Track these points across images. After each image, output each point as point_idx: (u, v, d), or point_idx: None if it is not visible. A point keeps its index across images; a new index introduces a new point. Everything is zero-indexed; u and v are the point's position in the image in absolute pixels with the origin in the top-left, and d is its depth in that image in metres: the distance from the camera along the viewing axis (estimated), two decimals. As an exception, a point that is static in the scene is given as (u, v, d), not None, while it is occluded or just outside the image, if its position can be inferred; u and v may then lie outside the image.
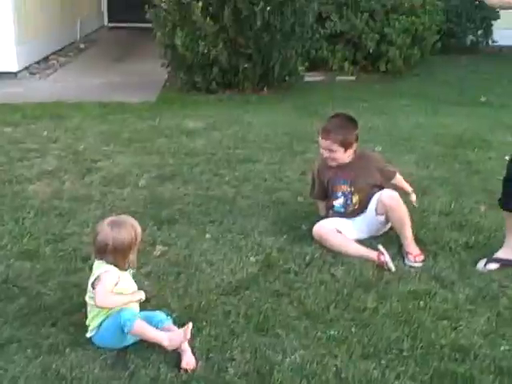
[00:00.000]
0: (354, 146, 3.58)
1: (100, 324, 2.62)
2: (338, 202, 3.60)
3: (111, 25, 12.49)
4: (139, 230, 2.70)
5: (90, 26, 11.44)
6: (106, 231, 2.62)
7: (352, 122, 3.66)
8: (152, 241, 3.50)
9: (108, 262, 2.63)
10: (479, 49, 10.08)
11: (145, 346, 2.62)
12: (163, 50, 7.09)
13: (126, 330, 2.52)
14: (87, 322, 2.67)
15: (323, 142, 3.58)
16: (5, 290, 3.02)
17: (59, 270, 3.22)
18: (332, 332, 2.75)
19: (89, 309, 2.68)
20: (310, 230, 3.57)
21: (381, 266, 3.26)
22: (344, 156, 3.55)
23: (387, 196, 3.45)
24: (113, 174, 4.55)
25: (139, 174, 4.56)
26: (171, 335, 2.56)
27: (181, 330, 2.57)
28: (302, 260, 3.35)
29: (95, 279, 2.61)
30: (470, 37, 10.13)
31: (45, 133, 5.47)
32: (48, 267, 3.24)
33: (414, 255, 3.33)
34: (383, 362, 2.57)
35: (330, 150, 3.54)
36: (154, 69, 7.48)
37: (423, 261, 3.33)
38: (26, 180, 4.42)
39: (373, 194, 3.52)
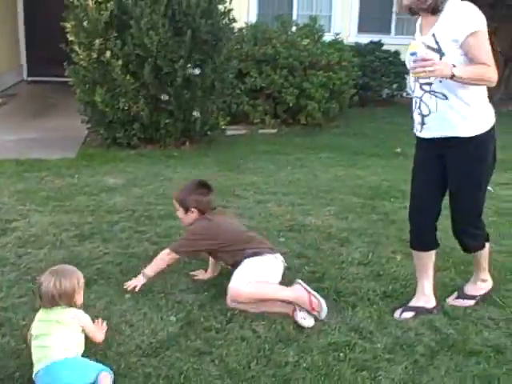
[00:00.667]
0: (194, 211, 3.62)
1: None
2: None
3: (31, 78, 12.30)
4: (80, 274, 2.94)
5: (9, 79, 11.25)
6: (49, 281, 2.80)
7: (200, 186, 3.70)
8: (69, 303, 3.39)
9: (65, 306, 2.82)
10: (394, 101, 10.57)
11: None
12: (83, 107, 7.04)
13: None
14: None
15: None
16: None
17: (-31, 339, 3.07)
18: (253, 389, 2.73)
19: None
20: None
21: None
22: (185, 218, 3.68)
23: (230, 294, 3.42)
24: (29, 234, 4.42)
25: (57, 234, 4.45)
26: None
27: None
28: (224, 316, 3.33)
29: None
30: (386, 90, 10.64)
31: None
32: (-43, 336, 3.08)
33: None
34: (306, 416, 2.57)
35: (176, 209, 3.71)
36: (74, 124, 7.40)
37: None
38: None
39: None
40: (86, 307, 3.33)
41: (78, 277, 2.89)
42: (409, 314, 3.38)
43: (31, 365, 2.83)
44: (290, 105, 8.33)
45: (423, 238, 3.43)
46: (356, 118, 9.18)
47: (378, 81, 10.34)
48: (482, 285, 3.56)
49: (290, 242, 4.40)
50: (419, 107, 3.23)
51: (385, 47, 10.42)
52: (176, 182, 5.76)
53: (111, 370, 2.74)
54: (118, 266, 3.94)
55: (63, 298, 2.80)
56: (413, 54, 2.88)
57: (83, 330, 2.87)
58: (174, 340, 3.11)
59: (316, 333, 3.20)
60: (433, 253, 3.47)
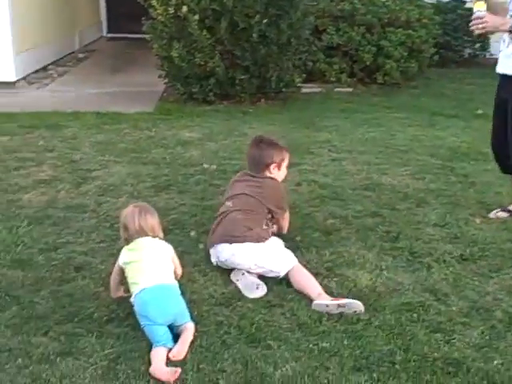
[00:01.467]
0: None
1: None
2: None
3: (110, 35, 12.52)
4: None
5: (89, 36, 11.48)
6: (135, 213, 2.95)
7: None
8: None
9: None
10: (477, 61, 10.12)
11: (136, 356, 2.61)
12: (160, 62, 7.11)
13: None
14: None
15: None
16: (-3, 299, 3.01)
17: (52, 279, 3.21)
18: (324, 344, 2.73)
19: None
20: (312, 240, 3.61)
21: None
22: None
23: None
24: (108, 184, 4.54)
25: (134, 184, 4.56)
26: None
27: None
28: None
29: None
30: (468, 50, 10.18)
31: (41, 142, 5.47)
32: (41, 276, 3.23)
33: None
34: (375, 375, 2.55)
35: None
36: (152, 80, 7.48)
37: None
38: (21, 189, 4.41)
39: None
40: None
41: (157, 215, 3.02)
42: (504, 214, 4.01)
43: (108, 306, 2.96)
44: (367, 63, 8.09)
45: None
46: (435, 78, 8.85)
47: (459, 40, 9.88)
48: None
49: (364, 200, 4.33)
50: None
51: (467, 5, 9.93)
52: (249, 138, 5.75)
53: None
54: (193, 217, 4.01)
55: (149, 231, 2.91)
56: (475, 12, 3.50)
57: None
58: (246, 291, 3.15)
59: (389, 292, 3.16)
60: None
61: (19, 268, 3.30)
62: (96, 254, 3.48)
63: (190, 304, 2.99)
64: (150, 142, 5.62)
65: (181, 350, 2.63)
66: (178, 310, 2.79)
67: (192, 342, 2.71)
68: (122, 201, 4.24)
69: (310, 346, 2.72)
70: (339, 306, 2.95)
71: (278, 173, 3.55)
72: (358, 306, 2.96)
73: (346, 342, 2.75)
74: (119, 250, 3.00)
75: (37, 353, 2.61)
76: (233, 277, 3.24)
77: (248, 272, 3.22)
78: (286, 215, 3.61)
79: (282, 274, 3.20)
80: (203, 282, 3.23)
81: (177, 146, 5.54)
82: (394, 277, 3.31)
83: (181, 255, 3.44)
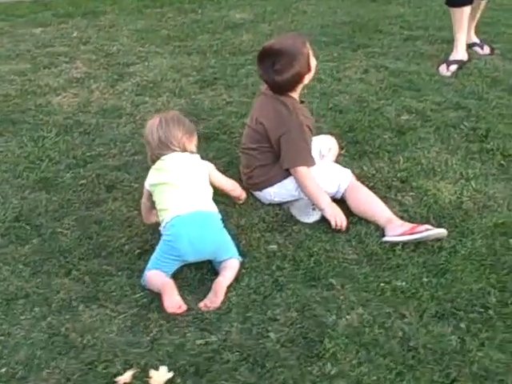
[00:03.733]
0: None
1: None
2: None
3: None
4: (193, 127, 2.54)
5: None
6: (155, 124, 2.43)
7: None
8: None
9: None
10: None
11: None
12: None
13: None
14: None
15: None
16: (16, 230, 2.62)
17: (79, 202, 2.79)
18: (398, 283, 2.22)
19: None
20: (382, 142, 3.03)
21: None
22: None
23: None
24: (147, 80, 4.01)
25: (177, 79, 4.01)
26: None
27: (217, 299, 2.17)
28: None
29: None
30: None
31: (75, 33, 4.93)
32: (66, 199, 2.81)
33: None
34: (462, 324, 2.04)
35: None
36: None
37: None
38: (52, 90, 3.94)
39: None
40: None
41: (188, 125, 2.48)
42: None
43: (142, 235, 2.53)
44: None
45: None
46: None
47: None
48: None
49: (445, 89, 3.65)
50: None
51: None
52: (309, 16, 5.03)
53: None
54: (241, 118, 3.44)
55: (175, 144, 2.39)
56: None
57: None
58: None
59: (478, 209, 2.59)
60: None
61: (43, 190, 2.88)
62: (130, 169, 3.02)
63: (238, 230, 2.53)
64: (195, 27, 4.99)
65: (214, 299, 2.17)
66: (218, 245, 2.31)
67: (237, 281, 2.26)
68: (163, 100, 3.73)
69: (381, 285, 2.22)
70: (415, 238, 2.38)
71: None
72: (439, 233, 2.40)
73: (425, 279, 2.23)
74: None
75: (57, 299, 2.22)
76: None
77: None
78: None
79: (337, 196, 2.63)
80: (252, 201, 2.73)
81: (225, 30, 4.90)
82: (485, 188, 2.73)
83: (227, 166, 2.97)
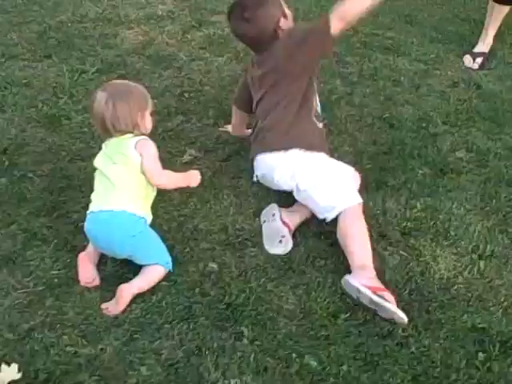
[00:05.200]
0: None
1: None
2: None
3: None
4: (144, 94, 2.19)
5: None
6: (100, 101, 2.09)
7: None
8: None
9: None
10: None
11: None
12: None
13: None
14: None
15: None
16: (-8, 163, 2.58)
17: (68, 151, 2.67)
18: (311, 361, 1.87)
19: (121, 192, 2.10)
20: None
21: None
22: None
23: None
24: (219, 35, 3.72)
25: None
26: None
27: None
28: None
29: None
30: None
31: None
32: (58, 144, 2.71)
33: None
34: None
35: None
36: None
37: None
38: (126, 22, 3.82)
39: None
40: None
41: (138, 97, 2.15)
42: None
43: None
44: None
45: None
46: None
47: None
48: None
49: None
50: None
51: None
52: (432, 2, 4.38)
53: (172, 263, 2.13)
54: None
55: (119, 124, 2.09)
56: None
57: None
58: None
59: (465, 301, 2.08)
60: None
61: (44, 127, 2.82)
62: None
63: (190, 234, 2.28)
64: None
65: (115, 306, 1.98)
66: (129, 248, 2.08)
67: (152, 292, 2.04)
68: (219, 61, 3.44)
69: (293, 355, 1.88)
70: (373, 300, 2.00)
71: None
72: (400, 319, 1.98)
73: (345, 368, 1.85)
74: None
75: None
76: (262, 216, 2.39)
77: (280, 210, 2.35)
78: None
79: (331, 215, 2.24)
80: (224, 205, 2.44)
81: None
82: (492, 275, 2.19)
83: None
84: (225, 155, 2.70)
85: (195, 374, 1.81)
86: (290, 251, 2.23)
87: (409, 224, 2.37)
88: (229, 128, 2.83)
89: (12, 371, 1.78)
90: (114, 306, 1.99)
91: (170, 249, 2.17)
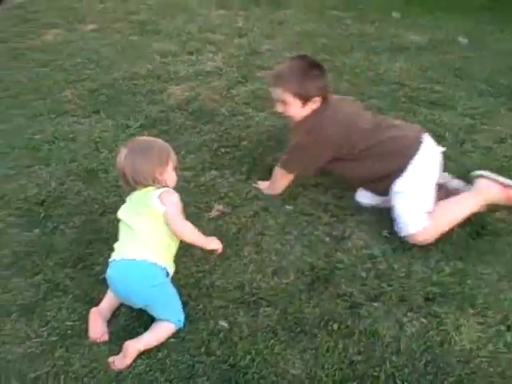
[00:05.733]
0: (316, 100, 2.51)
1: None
2: None
3: None
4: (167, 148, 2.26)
5: None
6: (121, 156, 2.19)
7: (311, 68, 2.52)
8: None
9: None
10: None
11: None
12: None
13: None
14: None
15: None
16: (29, 212, 2.68)
17: (100, 205, 2.74)
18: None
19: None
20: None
21: None
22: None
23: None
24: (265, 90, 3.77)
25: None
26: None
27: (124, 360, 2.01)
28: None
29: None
30: None
31: (240, 23, 4.83)
32: (91, 198, 2.79)
33: None
34: None
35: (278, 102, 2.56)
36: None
37: None
38: (175, 79, 3.98)
39: None
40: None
41: (159, 152, 2.20)
42: None
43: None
44: None
45: None
46: None
47: None
48: None
49: None
50: None
51: None
52: (481, 57, 4.27)
53: (184, 321, 2.12)
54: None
55: (139, 181, 2.16)
56: None
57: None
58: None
59: (486, 378, 1.95)
60: None
61: (82, 181, 2.91)
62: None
63: (207, 291, 2.26)
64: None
65: (122, 360, 1.98)
66: (144, 299, 2.09)
67: (158, 349, 2.03)
68: (261, 117, 3.47)
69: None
70: None
71: None
72: None
73: None
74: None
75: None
76: None
77: None
78: None
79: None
80: (243, 262, 2.41)
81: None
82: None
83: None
84: (252, 211, 2.69)
85: None
86: (303, 311, 2.16)
87: (434, 289, 2.25)
88: (261, 185, 2.83)
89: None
90: (121, 361, 1.99)
91: (184, 305, 2.16)
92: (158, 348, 2.04)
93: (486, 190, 2.55)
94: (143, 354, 2.01)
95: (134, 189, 2.21)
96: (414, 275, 2.31)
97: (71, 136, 3.31)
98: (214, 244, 2.27)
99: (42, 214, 2.70)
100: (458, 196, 2.55)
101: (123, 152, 2.19)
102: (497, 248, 2.45)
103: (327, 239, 2.50)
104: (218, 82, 3.89)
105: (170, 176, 2.25)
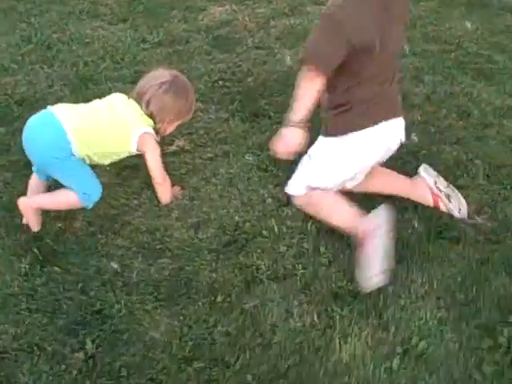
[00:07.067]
0: None
1: None
2: None
3: None
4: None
5: None
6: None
7: None
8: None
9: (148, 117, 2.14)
10: None
11: None
12: None
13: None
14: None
15: None
16: None
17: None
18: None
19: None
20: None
21: None
22: None
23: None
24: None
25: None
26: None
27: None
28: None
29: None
30: None
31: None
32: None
33: None
34: None
35: None
36: None
37: None
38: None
39: None
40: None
41: (185, 106, 2.20)
42: None
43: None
44: None
45: None
46: None
47: None
48: None
49: None
50: None
51: None
52: None
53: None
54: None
55: (151, 106, 2.12)
56: None
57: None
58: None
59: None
60: None
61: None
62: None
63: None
64: None
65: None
66: (44, 158, 2.08)
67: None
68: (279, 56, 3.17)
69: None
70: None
71: None
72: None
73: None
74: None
75: None
76: None
77: None
78: None
79: None
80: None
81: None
82: None
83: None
84: (211, 154, 2.49)
85: None
86: (198, 273, 1.99)
87: (341, 291, 1.97)
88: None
89: None
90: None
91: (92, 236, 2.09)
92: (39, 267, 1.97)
93: (418, 195, 2.25)
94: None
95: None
96: (335, 265, 2.04)
97: (87, 40, 3.24)
98: (167, 192, 2.23)
99: (16, 114, 2.68)
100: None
101: (165, 76, 2.16)
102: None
103: (269, 201, 2.27)
104: (263, 10, 3.61)
105: (170, 128, 2.22)
